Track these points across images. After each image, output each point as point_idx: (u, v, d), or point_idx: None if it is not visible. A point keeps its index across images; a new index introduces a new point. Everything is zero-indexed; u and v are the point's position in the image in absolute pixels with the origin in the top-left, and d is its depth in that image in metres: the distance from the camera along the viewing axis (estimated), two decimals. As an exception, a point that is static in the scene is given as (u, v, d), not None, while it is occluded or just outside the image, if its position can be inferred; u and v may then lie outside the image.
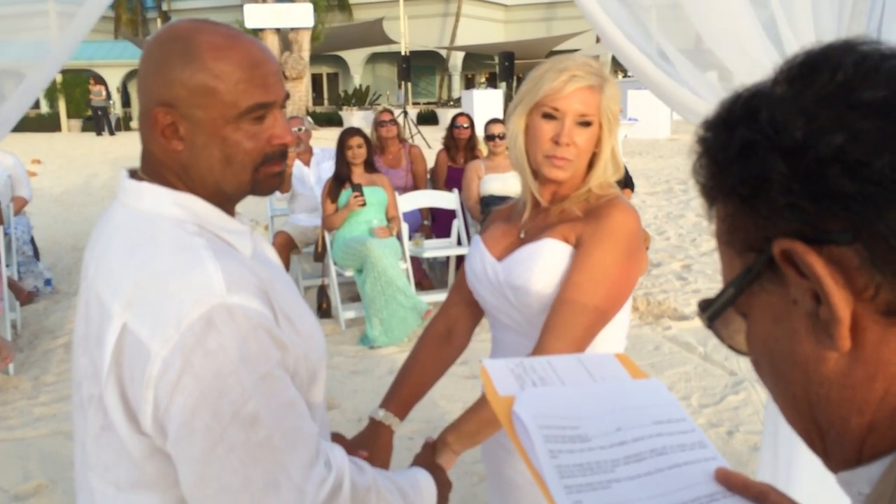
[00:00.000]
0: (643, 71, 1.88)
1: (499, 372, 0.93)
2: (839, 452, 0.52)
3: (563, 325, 1.38)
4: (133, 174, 1.11)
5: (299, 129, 5.76)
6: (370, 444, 1.50)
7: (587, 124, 1.44)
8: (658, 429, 0.83)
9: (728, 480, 0.75)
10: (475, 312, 1.66)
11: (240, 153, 1.04)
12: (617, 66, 30.86)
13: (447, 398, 3.77)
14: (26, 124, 26.76)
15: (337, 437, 1.45)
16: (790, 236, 0.48)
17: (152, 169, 1.09)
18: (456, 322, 1.67)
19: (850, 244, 0.46)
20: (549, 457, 0.76)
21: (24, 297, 5.40)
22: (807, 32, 1.69)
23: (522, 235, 1.54)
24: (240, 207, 1.18)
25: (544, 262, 1.44)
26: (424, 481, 1.28)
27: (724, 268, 0.56)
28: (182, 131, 1.03)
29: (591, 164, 1.49)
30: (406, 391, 1.61)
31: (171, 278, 0.97)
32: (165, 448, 0.98)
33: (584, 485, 0.73)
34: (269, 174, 1.09)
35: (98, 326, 1.01)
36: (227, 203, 1.11)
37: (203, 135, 1.03)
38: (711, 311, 0.55)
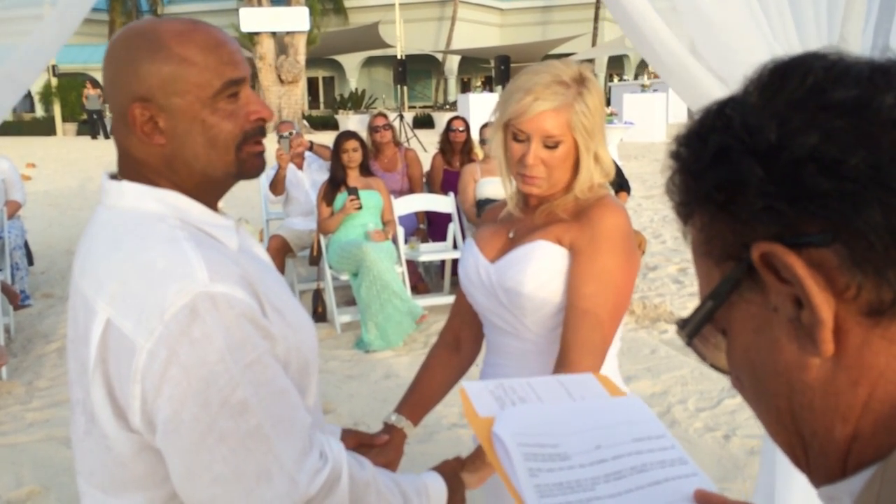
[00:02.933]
0: (678, 59, 1.81)
1: (478, 394, 0.93)
2: (823, 465, 0.52)
3: (584, 340, 1.39)
4: (114, 176, 1.11)
5: (290, 134, 5.76)
6: (383, 445, 1.51)
7: (555, 145, 1.43)
8: (638, 446, 0.83)
9: (708, 502, 0.74)
10: (479, 320, 1.66)
11: (222, 133, 1.04)
12: (612, 70, 30.96)
13: (444, 403, 3.72)
14: (21, 128, 26.72)
15: (350, 434, 1.46)
16: (769, 240, 0.48)
17: (132, 171, 1.08)
18: (461, 329, 1.69)
19: (829, 245, 0.46)
20: (528, 475, 0.75)
21: (18, 301, 5.37)
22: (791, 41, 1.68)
23: (511, 236, 1.55)
24: (237, 211, 1.17)
25: (537, 264, 1.44)
26: (434, 487, 1.25)
27: (700, 281, 0.56)
28: (162, 124, 1.02)
29: (576, 170, 1.48)
30: (416, 396, 1.63)
31: (153, 270, 0.96)
32: (154, 443, 0.97)
33: (566, 503, 0.73)
34: (251, 153, 1.09)
35: (84, 325, 1.00)
36: (214, 192, 1.11)
37: (184, 122, 1.03)
38: (691, 328, 0.54)
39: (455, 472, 1.33)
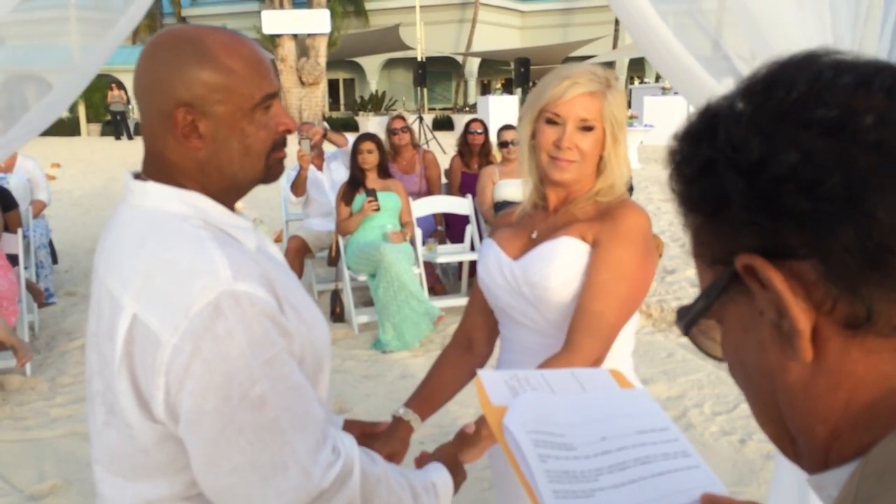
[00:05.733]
0: (686, 68, 1.85)
1: (493, 383, 0.96)
2: (808, 457, 0.54)
3: (589, 324, 1.43)
4: (137, 176, 1.14)
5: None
6: (388, 437, 1.53)
7: (589, 129, 1.48)
8: (642, 438, 0.85)
9: None
10: (492, 321, 1.69)
11: (256, 143, 1.11)
12: (633, 73, 30.82)
13: (459, 403, 3.76)
14: (46, 128, 27.03)
15: (352, 424, 1.48)
16: (752, 251, 0.49)
17: (160, 172, 1.11)
18: (474, 330, 1.71)
19: (808, 259, 0.48)
20: (538, 460, 0.78)
21: (42, 299, 5.46)
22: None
23: (534, 236, 1.58)
24: (257, 213, 1.20)
25: (561, 259, 1.48)
26: (441, 483, 1.28)
27: (698, 277, 0.58)
28: (202, 129, 1.07)
29: (599, 169, 1.53)
30: (427, 392, 1.65)
31: (178, 268, 1.00)
32: (177, 433, 1.01)
33: (570, 492, 0.75)
34: (277, 160, 1.16)
35: (109, 320, 1.04)
36: (237, 195, 1.16)
37: (224, 129, 1.08)
38: (687, 320, 0.57)
39: (454, 458, 1.37)
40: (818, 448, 0.52)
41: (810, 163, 0.47)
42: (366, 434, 1.49)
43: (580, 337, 1.42)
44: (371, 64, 31.81)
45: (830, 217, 0.46)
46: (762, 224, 0.49)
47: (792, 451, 0.55)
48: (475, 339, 1.70)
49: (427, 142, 15.58)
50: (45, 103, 2.12)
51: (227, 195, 1.13)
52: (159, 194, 1.09)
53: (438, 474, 1.30)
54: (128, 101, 25.22)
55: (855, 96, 0.48)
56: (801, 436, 0.53)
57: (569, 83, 1.46)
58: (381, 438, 1.50)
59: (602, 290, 1.43)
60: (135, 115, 26.89)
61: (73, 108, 27.45)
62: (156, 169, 1.12)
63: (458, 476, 1.34)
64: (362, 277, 5.12)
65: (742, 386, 0.57)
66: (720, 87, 1.83)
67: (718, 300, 0.54)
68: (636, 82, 25.07)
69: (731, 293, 0.53)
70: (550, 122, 1.49)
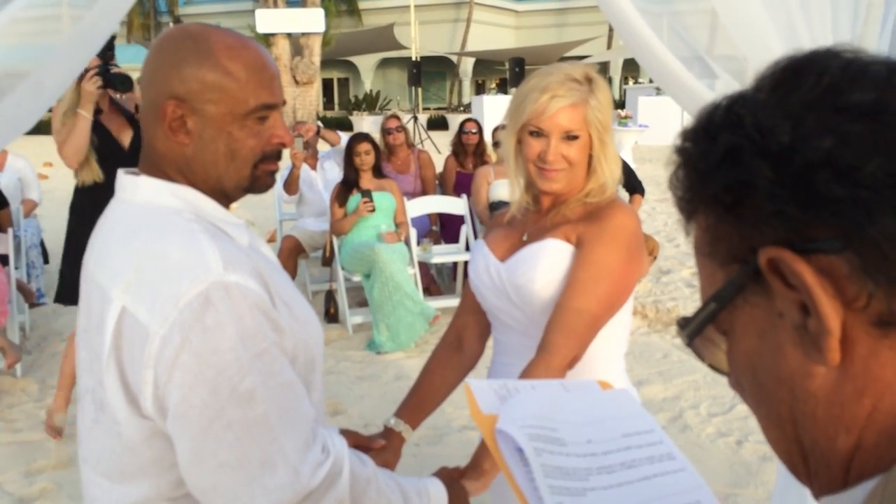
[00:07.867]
0: (672, 72, 1.85)
1: (483, 392, 0.95)
2: (824, 474, 0.50)
3: (567, 322, 1.41)
4: (130, 173, 1.13)
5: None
6: (381, 447, 1.50)
7: (574, 137, 1.46)
8: (627, 441, 0.85)
9: None
10: (483, 320, 1.67)
11: (243, 149, 1.08)
12: (628, 73, 30.88)
13: (454, 405, 3.74)
14: (39, 127, 26.96)
15: (348, 434, 1.45)
16: (777, 245, 0.46)
17: (152, 164, 1.11)
18: (464, 330, 1.69)
19: (839, 252, 0.44)
20: (535, 454, 0.77)
21: (33, 299, 5.42)
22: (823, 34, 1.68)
23: (525, 238, 1.57)
24: (250, 212, 1.18)
25: (546, 261, 1.47)
26: (435, 490, 1.26)
27: (703, 282, 0.54)
28: (190, 125, 1.06)
29: (589, 169, 1.51)
30: (416, 399, 1.63)
31: (169, 260, 0.98)
32: (165, 429, 0.99)
33: (564, 488, 0.75)
34: (266, 171, 1.13)
35: (98, 314, 1.02)
36: (224, 199, 1.14)
37: (211, 129, 1.06)
38: (691, 329, 0.53)
39: (454, 479, 1.33)
40: (838, 462, 0.48)
41: (847, 147, 0.44)
42: (361, 447, 1.47)
43: (555, 336, 1.40)
44: (365, 63, 31.80)
45: (869, 205, 0.43)
46: (790, 214, 0.45)
47: (803, 469, 0.52)
48: (465, 338, 1.69)
49: (422, 141, 15.57)
50: (34, 100, 2.10)
51: (214, 198, 1.11)
52: (151, 188, 1.08)
53: (432, 483, 1.28)
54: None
55: (890, 82, 0.46)
56: (818, 448, 0.49)
57: (548, 98, 1.43)
58: (372, 451, 1.48)
59: (580, 289, 1.42)
60: (128, 114, 26.90)
61: (65, 107, 27.36)
62: (148, 161, 1.12)
63: (459, 500, 1.30)
64: (357, 278, 5.10)
65: (751, 398, 0.53)
66: (707, 91, 1.82)
67: (730, 305, 0.50)
68: (630, 82, 25.11)
69: (746, 294, 0.49)
70: (534, 133, 1.47)
